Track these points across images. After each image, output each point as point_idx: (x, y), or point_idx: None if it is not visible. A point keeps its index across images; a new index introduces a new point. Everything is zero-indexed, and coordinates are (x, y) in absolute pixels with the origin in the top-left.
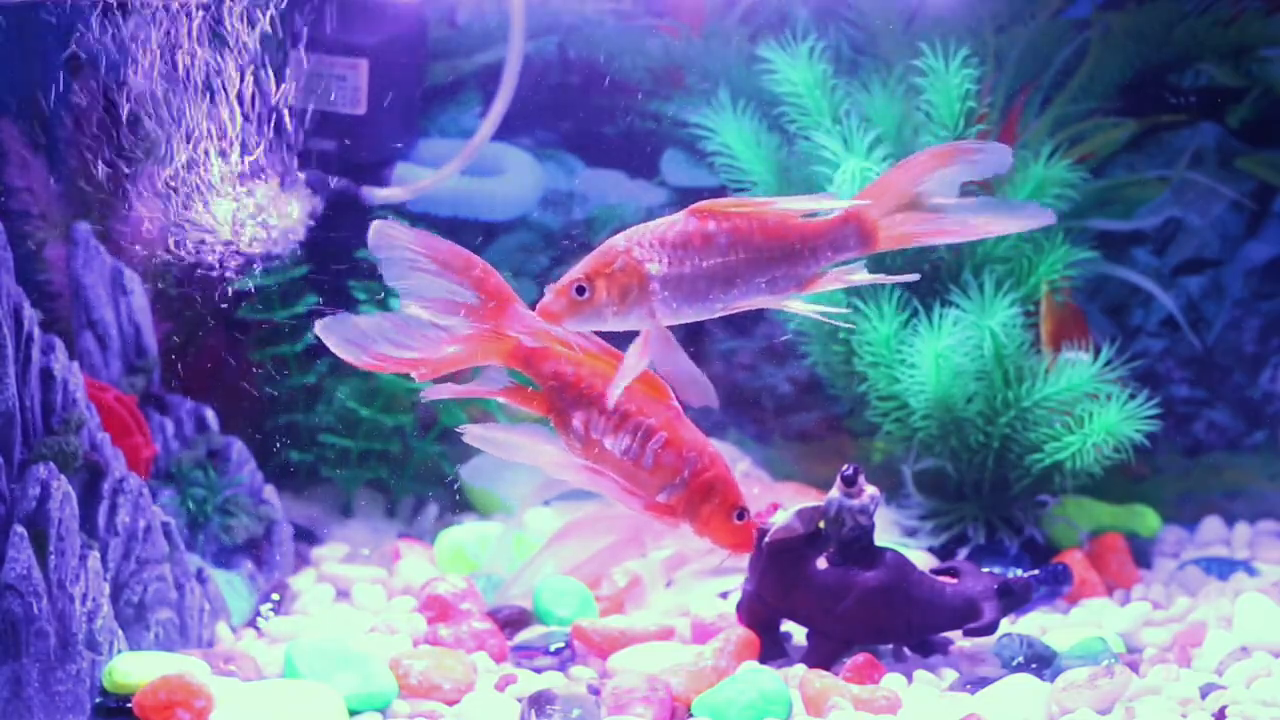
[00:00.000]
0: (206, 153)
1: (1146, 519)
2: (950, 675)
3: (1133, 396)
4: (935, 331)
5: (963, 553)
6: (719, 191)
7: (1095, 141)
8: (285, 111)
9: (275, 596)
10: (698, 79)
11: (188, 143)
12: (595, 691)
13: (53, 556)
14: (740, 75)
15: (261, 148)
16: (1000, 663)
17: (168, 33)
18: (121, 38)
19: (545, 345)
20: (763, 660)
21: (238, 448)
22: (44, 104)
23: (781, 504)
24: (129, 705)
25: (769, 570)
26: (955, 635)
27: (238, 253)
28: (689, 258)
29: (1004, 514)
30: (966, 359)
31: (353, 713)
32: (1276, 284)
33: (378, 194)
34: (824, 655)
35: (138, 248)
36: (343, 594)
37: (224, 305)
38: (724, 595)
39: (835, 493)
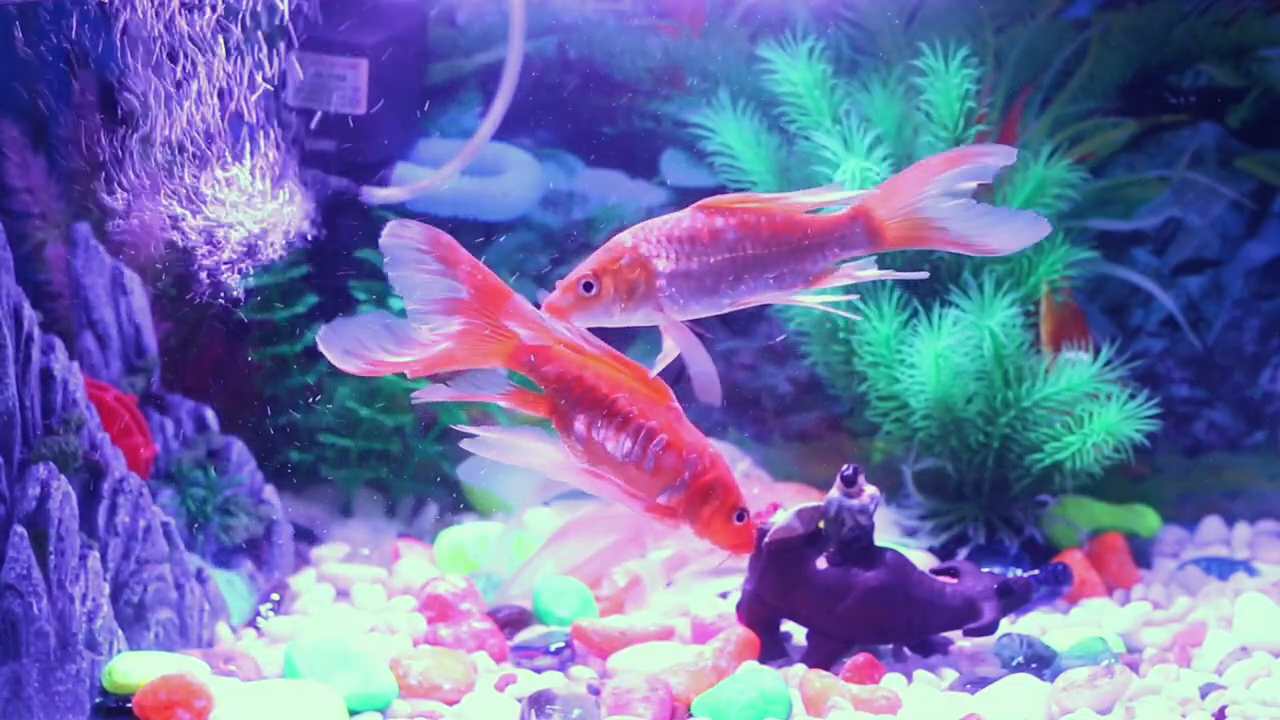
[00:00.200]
0: (205, 152)
1: (1146, 519)
2: (950, 675)
3: (1133, 396)
4: (935, 331)
5: (963, 553)
6: (719, 192)
7: (1095, 141)
8: (285, 112)
9: (275, 596)
10: (698, 79)
11: (186, 142)
12: (595, 691)
13: (53, 556)
14: (740, 75)
15: (261, 147)
16: (1000, 663)
17: (167, 31)
18: (119, 36)
19: (546, 345)
20: (763, 660)
21: (238, 448)
22: (43, 103)
23: (781, 504)
24: (129, 705)
25: (769, 570)
26: (955, 635)
27: (237, 253)
28: (696, 254)
29: (1004, 514)
30: (966, 359)
31: (353, 713)
32: (1276, 284)
33: (378, 194)
34: (824, 655)
35: (137, 247)
36: (343, 594)
37: (224, 305)
38: (724, 595)
39: (835, 493)
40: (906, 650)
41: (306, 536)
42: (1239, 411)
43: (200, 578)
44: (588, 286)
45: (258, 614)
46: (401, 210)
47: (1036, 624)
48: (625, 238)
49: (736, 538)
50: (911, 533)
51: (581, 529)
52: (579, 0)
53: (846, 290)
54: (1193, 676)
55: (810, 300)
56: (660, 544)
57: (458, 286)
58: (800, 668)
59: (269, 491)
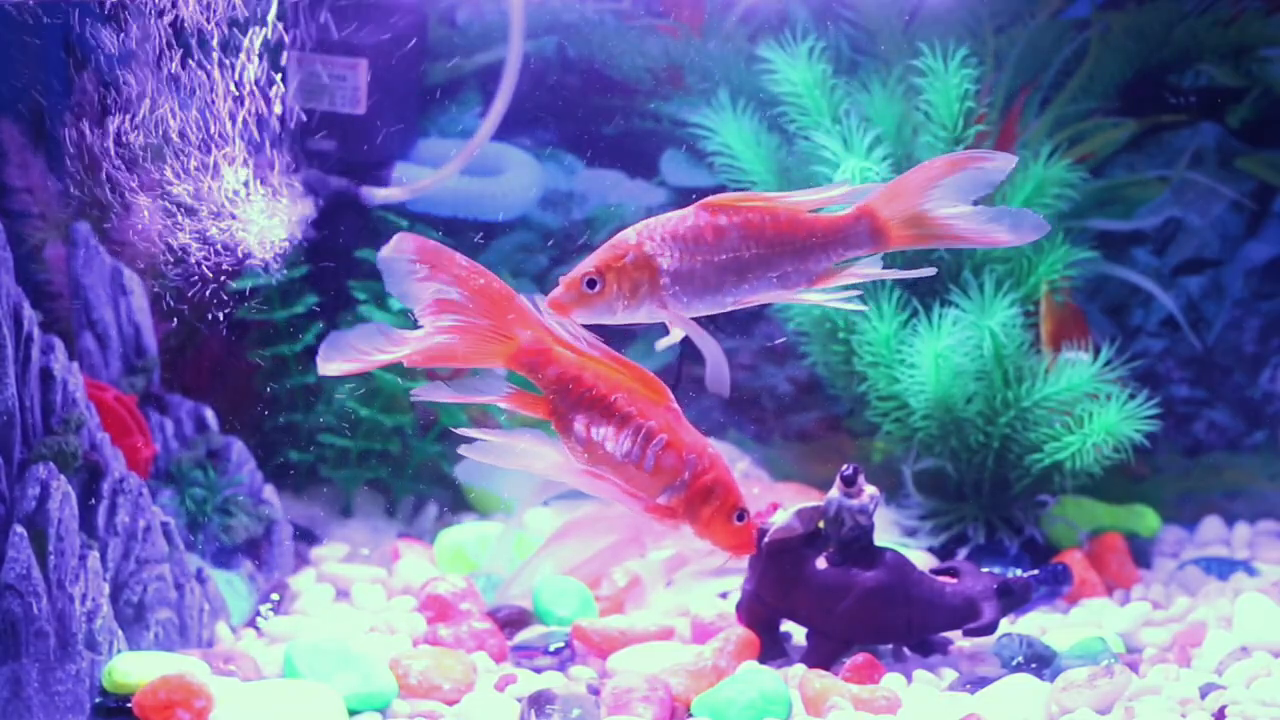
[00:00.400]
0: (205, 152)
1: (1146, 519)
2: (950, 675)
3: (1133, 396)
4: (935, 331)
5: (962, 553)
6: (718, 192)
7: (1095, 141)
8: (285, 112)
9: (275, 596)
10: (698, 79)
11: (186, 142)
12: (595, 691)
13: (52, 556)
14: (740, 75)
15: (260, 148)
16: (1000, 663)
17: (167, 33)
18: (119, 37)
19: (543, 348)
20: (763, 660)
21: (237, 448)
22: (43, 103)
23: (781, 504)
24: (129, 705)
25: (769, 570)
26: (955, 635)
27: (237, 253)
28: (700, 252)
29: (1004, 514)
30: (966, 359)
31: (352, 713)
32: (1276, 284)
33: (377, 194)
34: (824, 655)
35: (137, 247)
36: (342, 594)
37: (224, 305)
38: (724, 595)
39: (835, 493)
40: (906, 650)
41: (306, 536)
42: (1239, 411)
43: (200, 578)
44: (591, 284)
45: (257, 614)
46: (402, 210)
47: (1036, 624)
48: (629, 235)
49: (736, 538)
50: (911, 533)
51: (581, 529)
52: (579, 0)
53: (853, 289)
54: (1192, 676)
55: (815, 298)
56: (660, 544)
57: (456, 292)
58: (800, 668)
59: (269, 491)
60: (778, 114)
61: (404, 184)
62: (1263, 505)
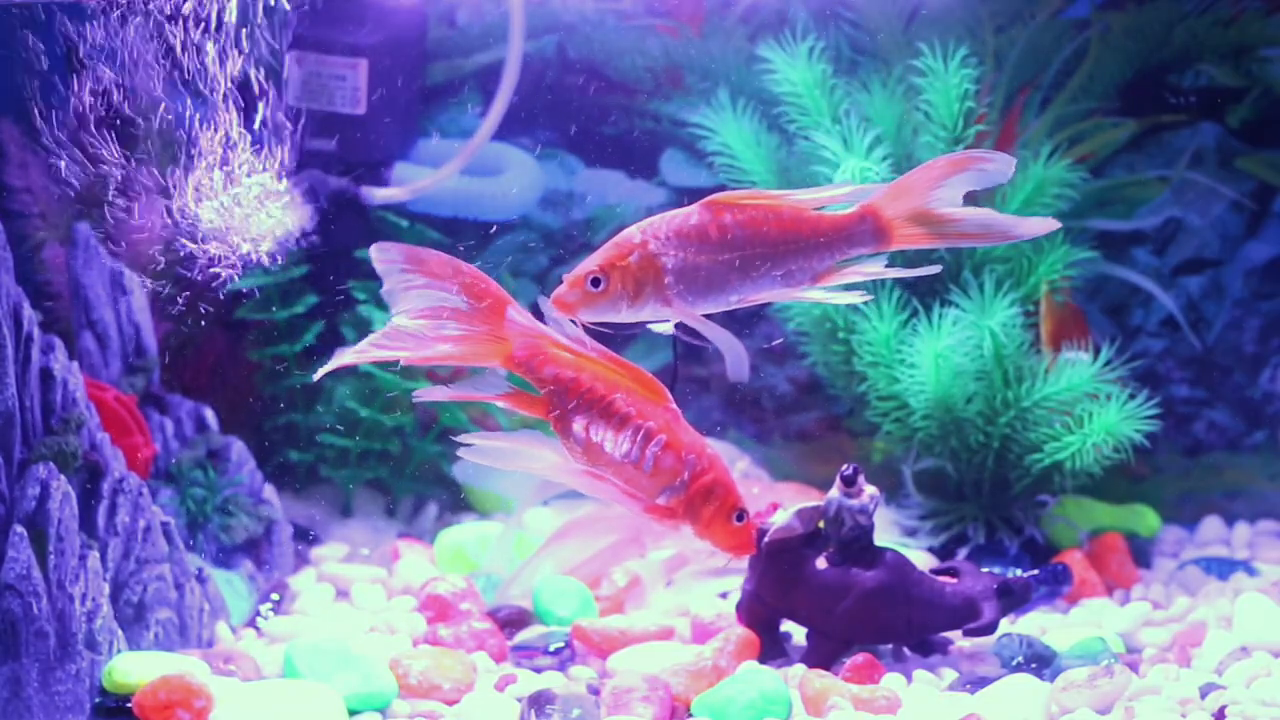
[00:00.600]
0: (205, 152)
1: (1146, 519)
2: (950, 675)
3: (1132, 396)
4: (935, 331)
5: (962, 553)
6: (718, 191)
7: (1095, 141)
8: (286, 112)
9: (275, 596)
10: (698, 79)
11: (186, 142)
12: (595, 691)
13: (52, 556)
14: (740, 75)
15: (260, 147)
16: (1000, 663)
17: (166, 32)
18: (119, 36)
19: (540, 349)
20: (762, 660)
21: (237, 448)
22: (43, 103)
23: (781, 504)
24: (129, 705)
25: (769, 570)
26: (955, 635)
27: (237, 253)
28: (704, 250)
29: (1004, 514)
30: (966, 359)
31: (352, 713)
32: (1276, 284)
33: (377, 194)
34: (824, 655)
35: (137, 247)
36: (342, 594)
37: (224, 305)
38: (724, 595)
39: (835, 493)
40: (906, 650)
41: (306, 536)
42: (1239, 411)
43: (200, 578)
44: (595, 282)
45: (257, 614)
46: (402, 210)
47: (1036, 624)
48: (633, 233)
49: (736, 538)
50: (911, 533)
51: (581, 529)
52: (579, 0)
53: (856, 288)
54: (1192, 676)
55: (818, 295)
56: (660, 544)
57: (453, 296)
58: (800, 668)
59: (269, 491)
60: (778, 114)
61: (404, 184)
62: (1263, 505)
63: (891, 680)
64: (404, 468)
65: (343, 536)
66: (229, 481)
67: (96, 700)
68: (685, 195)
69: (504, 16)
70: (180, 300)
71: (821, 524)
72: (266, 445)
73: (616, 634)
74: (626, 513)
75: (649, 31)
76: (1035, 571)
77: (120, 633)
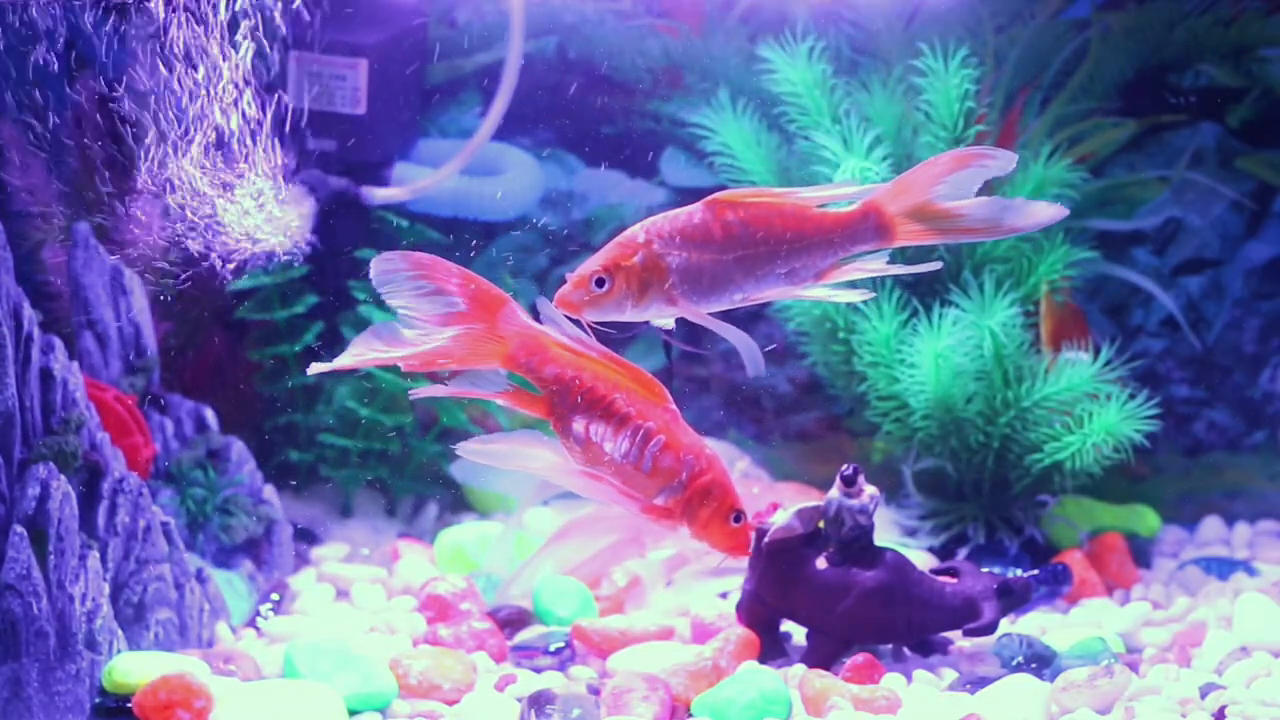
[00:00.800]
0: (205, 152)
1: (1146, 519)
2: (950, 675)
3: (1132, 396)
4: (935, 331)
5: (962, 553)
6: (718, 191)
7: (1095, 141)
8: (286, 112)
9: (275, 596)
10: (698, 79)
11: (187, 142)
12: (595, 691)
13: (52, 556)
14: (740, 75)
15: (261, 148)
16: (1000, 663)
17: (168, 31)
18: (120, 35)
19: (540, 349)
20: (763, 660)
21: (237, 448)
22: (43, 102)
23: (781, 504)
24: (129, 705)
25: (769, 570)
26: (955, 635)
27: (237, 253)
28: (708, 249)
29: (1004, 514)
30: (966, 359)
31: (352, 713)
32: (1276, 284)
33: (377, 194)
34: (824, 655)
35: (137, 247)
36: (342, 594)
37: (224, 305)
38: (724, 595)
39: (835, 493)
40: (906, 650)
41: (306, 536)
42: (1239, 411)
43: (200, 578)
44: (600, 282)
45: (257, 614)
46: (402, 210)
47: (1036, 624)
48: (637, 233)
49: (733, 539)
50: (911, 533)
51: (581, 529)
52: (579, 0)
53: (858, 286)
54: (1192, 676)
55: (821, 293)
56: (660, 544)
57: (451, 299)
58: (800, 668)
59: (269, 491)
60: (778, 114)
61: (404, 183)
62: (1263, 505)
63: (891, 680)
64: (404, 468)
65: (343, 536)
66: (229, 481)
67: (96, 700)
68: (685, 195)
69: (504, 16)
70: (182, 300)
71: (821, 524)
72: (267, 445)
73: (616, 634)
74: (626, 513)
75: (649, 31)
76: (1035, 571)
77: (120, 633)
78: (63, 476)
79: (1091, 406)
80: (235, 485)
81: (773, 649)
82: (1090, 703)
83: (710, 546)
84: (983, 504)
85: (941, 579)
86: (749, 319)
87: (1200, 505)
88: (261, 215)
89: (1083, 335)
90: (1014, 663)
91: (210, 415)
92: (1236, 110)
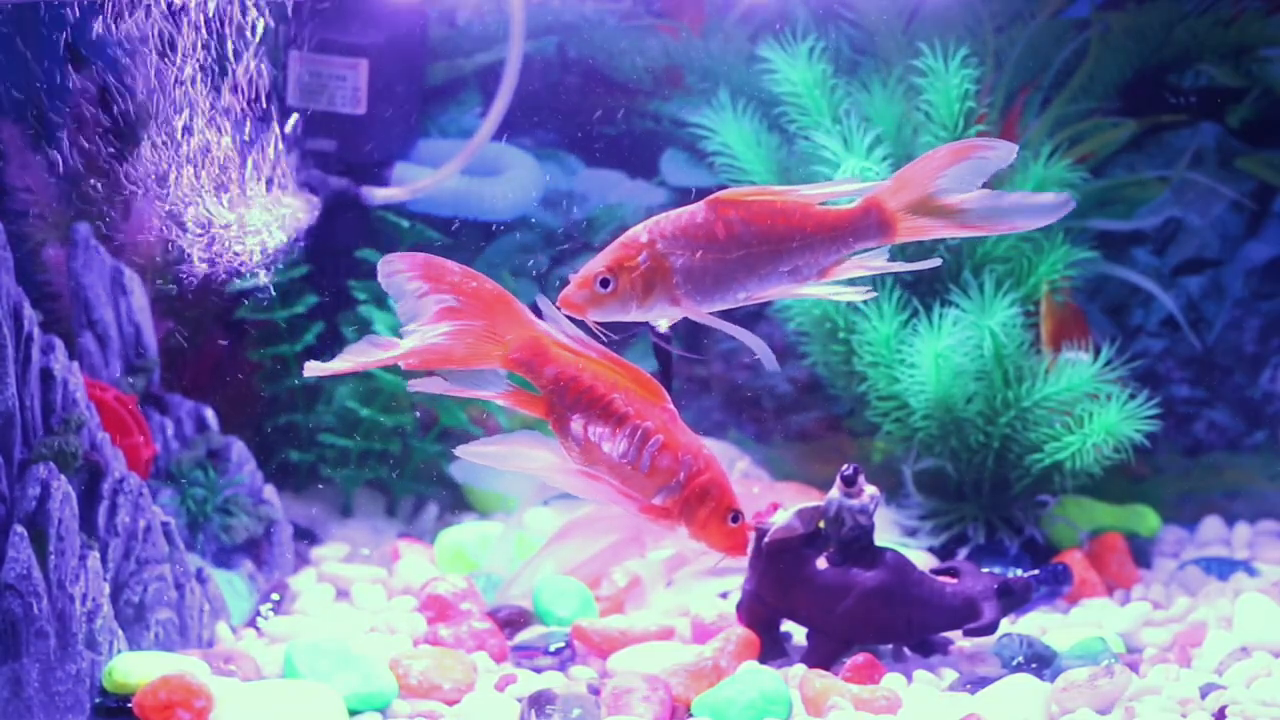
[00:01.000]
0: (206, 152)
1: (1146, 519)
2: (950, 675)
3: (1133, 396)
4: (935, 331)
5: (963, 553)
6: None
7: (1095, 141)
8: (286, 112)
9: (275, 596)
10: (698, 79)
11: (187, 142)
12: (595, 691)
13: (53, 556)
14: (740, 75)
15: (261, 147)
16: (1000, 663)
17: (167, 31)
18: (120, 35)
19: (540, 349)
20: (763, 660)
21: (238, 448)
22: (44, 102)
23: (781, 504)
24: (129, 705)
25: (769, 570)
26: (955, 635)
27: (237, 253)
28: (711, 248)
29: (1004, 514)
30: (966, 359)
31: (353, 713)
32: (1276, 284)
33: (378, 194)
34: (824, 655)
35: (137, 247)
36: (343, 594)
37: (224, 305)
38: (724, 595)
39: (835, 493)
40: (906, 650)
41: (306, 536)
42: (1239, 411)
43: (200, 578)
44: (604, 283)
45: (258, 614)
46: (402, 210)
47: (1036, 624)
48: (639, 233)
49: (731, 539)
50: (911, 533)
51: (582, 529)
52: (579, 0)
53: (860, 284)
54: (1193, 676)
55: (824, 291)
56: (660, 544)
57: (450, 299)
58: (800, 668)
59: (269, 491)
60: (778, 114)
61: (404, 183)
62: (1263, 505)
63: (892, 680)
64: (404, 468)
65: (343, 536)
66: (229, 481)
67: (97, 700)
68: (686, 196)
69: (504, 16)
70: (182, 300)
71: (822, 524)
72: (267, 445)
73: (617, 634)
74: (626, 513)
75: (649, 31)
76: (1035, 571)
77: (120, 633)
78: (63, 476)
79: (1092, 406)
80: (235, 485)
81: (773, 649)
82: (1090, 703)
83: (708, 546)
84: (983, 504)
85: (942, 579)
86: (749, 319)
87: (1200, 505)
88: (263, 215)
89: (1083, 335)
90: (1014, 663)
91: (210, 415)
92: (1237, 110)
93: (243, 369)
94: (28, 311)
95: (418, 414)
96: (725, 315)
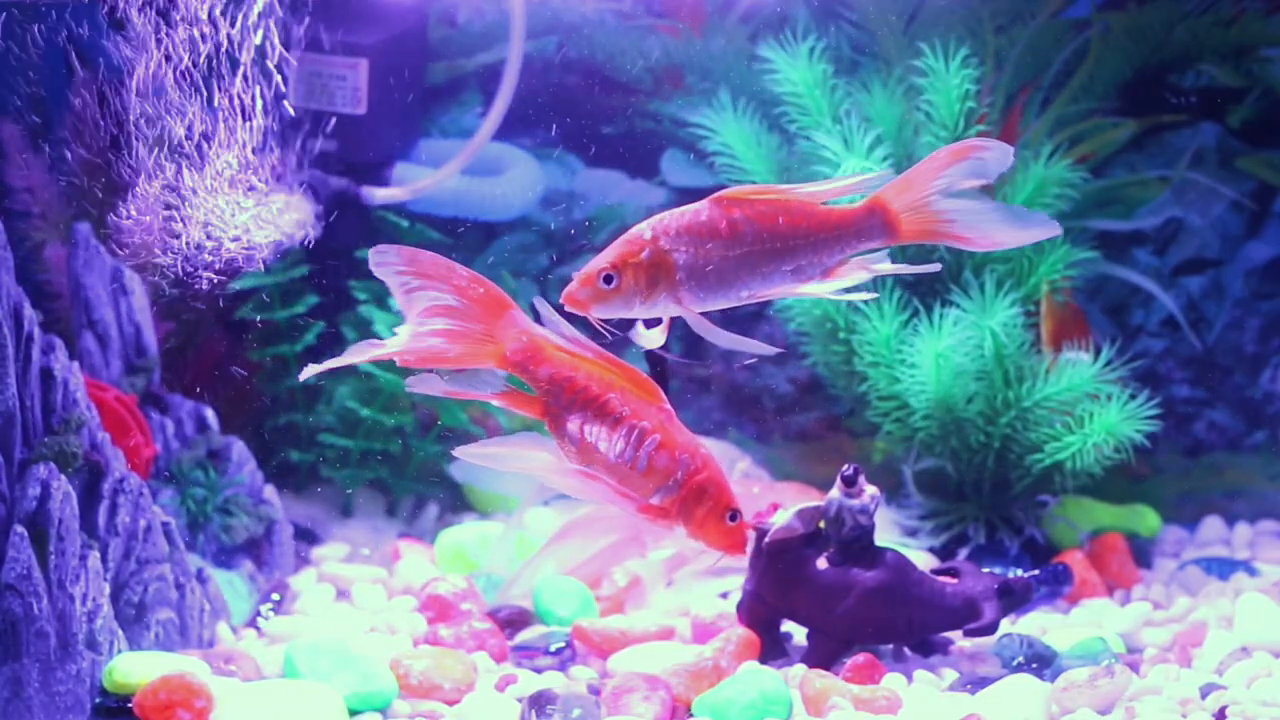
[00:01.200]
0: (206, 152)
1: (1147, 519)
2: (950, 675)
3: (1133, 396)
4: (936, 331)
5: (963, 553)
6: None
7: (1095, 141)
8: (287, 112)
9: (275, 596)
10: (698, 79)
11: (187, 142)
12: (595, 691)
13: (53, 556)
14: (740, 75)
15: (261, 147)
16: (1000, 663)
17: (168, 33)
18: (121, 36)
19: (535, 349)
20: (763, 660)
21: (238, 448)
22: (45, 102)
23: (782, 504)
24: (129, 705)
25: (769, 570)
26: (955, 635)
27: (238, 253)
28: (715, 246)
29: (1004, 514)
30: (967, 359)
31: (353, 713)
32: (1277, 284)
33: (378, 194)
34: (824, 655)
35: (138, 247)
36: (343, 594)
37: (224, 305)
38: (724, 595)
39: (835, 493)
40: (906, 650)
41: (306, 536)
42: (1239, 411)
43: (200, 578)
44: (608, 279)
45: (258, 614)
46: (402, 210)
47: (1037, 624)
48: (644, 230)
49: (729, 538)
50: (912, 533)
51: (582, 529)
52: (579, 0)
53: (860, 286)
54: (1193, 676)
55: (827, 290)
56: (660, 544)
57: (448, 298)
58: (800, 668)
59: (269, 491)
60: (778, 114)
61: (404, 183)
62: (1263, 505)
63: (892, 680)
64: (404, 468)
65: (343, 536)
66: (229, 481)
67: (97, 700)
68: (686, 196)
69: (504, 16)
70: (183, 299)
71: (822, 524)
72: (267, 445)
73: (617, 634)
74: (625, 513)
75: (649, 31)
76: (1036, 571)
77: (121, 633)
78: (63, 476)
79: (1092, 406)
80: (236, 485)
81: (773, 649)
82: (1091, 703)
83: (706, 545)
84: (983, 504)
85: (942, 579)
86: (750, 319)
87: (1201, 505)
88: (263, 214)
89: (1083, 335)
90: (1015, 663)
91: (211, 415)
92: (1237, 110)
93: (243, 369)
94: (28, 311)
95: (418, 414)
96: (728, 313)
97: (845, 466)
